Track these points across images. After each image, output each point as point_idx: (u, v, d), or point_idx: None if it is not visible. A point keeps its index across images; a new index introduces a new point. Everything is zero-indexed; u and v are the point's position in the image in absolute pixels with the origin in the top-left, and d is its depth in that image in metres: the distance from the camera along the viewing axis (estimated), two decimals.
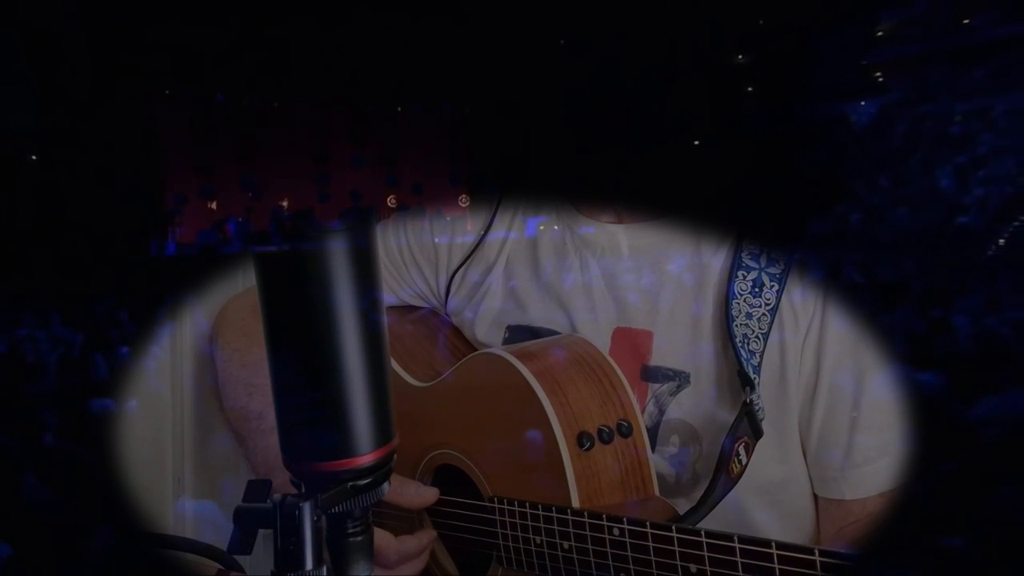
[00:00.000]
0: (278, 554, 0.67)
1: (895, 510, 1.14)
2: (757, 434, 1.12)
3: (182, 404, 1.46)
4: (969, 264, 11.46)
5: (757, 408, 1.12)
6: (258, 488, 0.71)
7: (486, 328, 1.32)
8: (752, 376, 1.13)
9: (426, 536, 1.19)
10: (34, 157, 13.91)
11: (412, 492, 1.17)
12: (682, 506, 1.16)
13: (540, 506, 1.07)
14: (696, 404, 1.19)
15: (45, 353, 6.78)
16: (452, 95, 16.27)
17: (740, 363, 1.13)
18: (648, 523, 0.99)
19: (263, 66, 14.73)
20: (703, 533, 0.95)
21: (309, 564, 0.67)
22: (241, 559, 0.83)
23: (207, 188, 15.75)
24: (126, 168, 13.52)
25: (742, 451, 1.11)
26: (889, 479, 1.15)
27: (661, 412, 1.19)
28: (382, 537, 1.10)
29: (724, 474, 1.09)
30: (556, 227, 1.31)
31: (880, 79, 19.91)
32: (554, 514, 1.06)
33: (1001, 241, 12.86)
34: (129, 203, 13.56)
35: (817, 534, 1.22)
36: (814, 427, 1.17)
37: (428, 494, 1.18)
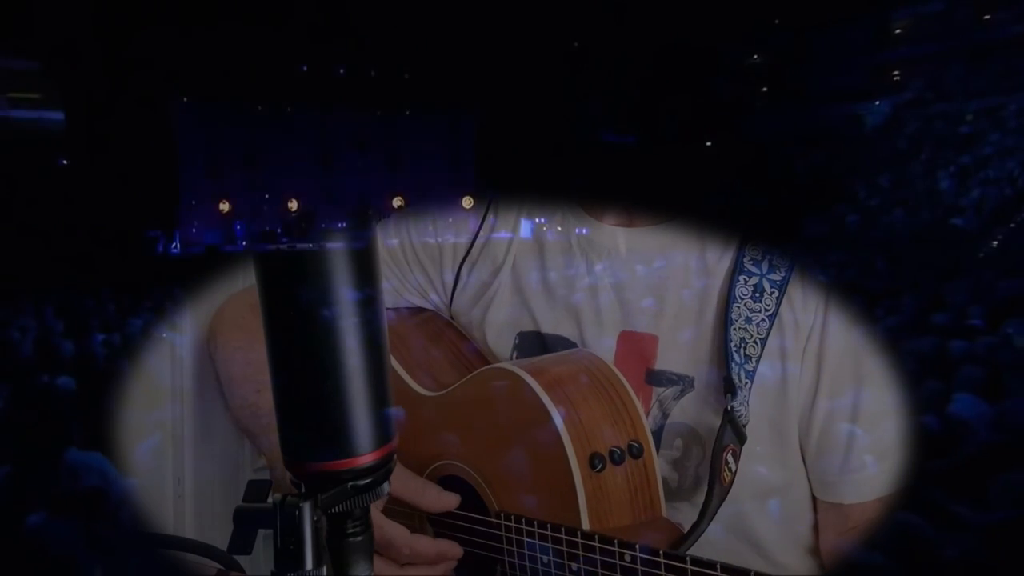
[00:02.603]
0: (278, 554, 0.67)
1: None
2: (742, 439, 1.11)
3: (182, 404, 1.45)
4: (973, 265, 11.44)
5: (739, 414, 1.11)
6: (258, 488, 0.71)
7: (495, 333, 1.30)
8: (736, 382, 1.12)
9: (446, 546, 1.13)
10: (65, 161, 14.10)
11: (433, 495, 1.14)
12: (684, 510, 1.16)
13: (549, 525, 1.05)
14: (699, 408, 1.18)
15: (27, 339, 7.33)
16: (459, 97, 16.30)
17: (728, 368, 1.13)
18: (662, 552, 0.96)
19: (273, 71, 14.87)
20: (719, 567, 0.93)
21: (309, 564, 0.66)
22: (241, 559, 0.83)
23: (218, 190, 15.92)
24: (141, 171, 13.69)
25: (731, 459, 1.10)
26: (889, 483, 1.14)
27: (665, 416, 1.19)
28: (395, 529, 1.06)
29: (718, 484, 1.09)
30: (562, 229, 1.30)
31: (896, 78, 19.84)
32: (563, 535, 1.04)
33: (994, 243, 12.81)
34: (142, 204, 13.71)
35: (817, 540, 1.22)
36: (813, 432, 1.16)
37: (448, 499, 1.14)
